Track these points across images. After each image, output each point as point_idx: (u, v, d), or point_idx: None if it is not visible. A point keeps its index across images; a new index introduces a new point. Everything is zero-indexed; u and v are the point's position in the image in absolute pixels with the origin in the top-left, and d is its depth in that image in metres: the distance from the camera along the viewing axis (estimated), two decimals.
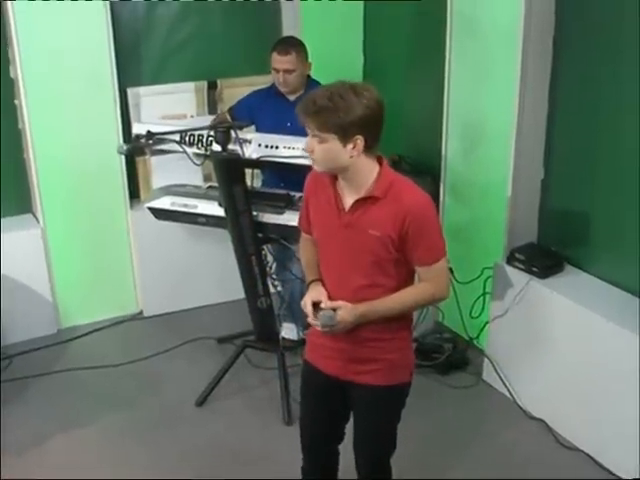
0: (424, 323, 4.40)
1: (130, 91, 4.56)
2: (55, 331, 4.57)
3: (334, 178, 2.48)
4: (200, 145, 3.55)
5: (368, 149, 2.37)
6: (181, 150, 3.57)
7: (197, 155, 3.66)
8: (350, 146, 2.33)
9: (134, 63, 4.59)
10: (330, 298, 2.51)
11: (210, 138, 3.53)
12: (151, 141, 3.58)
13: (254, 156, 3.51)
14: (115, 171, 4.53)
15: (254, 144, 3.51)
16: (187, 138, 3.59)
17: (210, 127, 3.46)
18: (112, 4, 4.36)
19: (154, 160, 4.61)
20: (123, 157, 4.50)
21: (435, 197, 4.31)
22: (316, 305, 2.49)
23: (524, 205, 3.87)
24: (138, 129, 3.74)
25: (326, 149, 2.34)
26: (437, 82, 4.15)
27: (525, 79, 3.65)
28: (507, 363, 3.91)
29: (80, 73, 4.31)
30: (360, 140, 2.33)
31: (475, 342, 4.18)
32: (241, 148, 3.48)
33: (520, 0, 3.53)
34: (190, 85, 4.68)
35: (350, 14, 4.83)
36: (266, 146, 3.48)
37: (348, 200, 2.45)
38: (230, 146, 3.46)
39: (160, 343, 4.42)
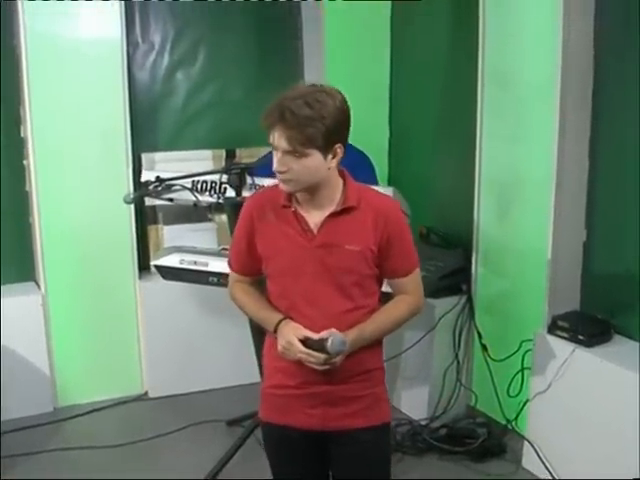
0: (455, 407, 4.02)
1: (145, 156, 4.37)
2: (51, 409, 4.18)
3: (291, 198, 2.20)
4: (213, 192, 3.28)
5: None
6: (193, 199, 3.31)
7: (209, 209, 3.39)
8: (330, 157, 2.11)
9: (150, 128, 4.45)
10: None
11: (224, 185, 3.27)
12: (160, 188, 3.32)
13: None
14: (125, 240, 4.28)
15: None
16: (199, 185, 3.33)
17: (223, 170, 3.22)
18: (130, 67, 4.26)
19: (166, 230, 4.40)
20: (134, 226, 4.29)
21: (467, 269, 4.02)
22: (302, 343, 2.16)
23: (565, 270, 3.55)
24: (147, 176, 3.50)
25: (307, 165, 2.08)
26: (467, 146, 3.92)
27: (564, 134, 3.42)
28: (550, 446, 3.47)
29: (93, 136, 4.15)
30: (340, 149, 2.12)
31: (513, 425, 3.75)
32: None
33: (556, 51, 3.35)
34: (207, 153, 4.49)
35: (376, 78, 4.67)
36: None
37: (314, 219, 2.19)
38: (246, 193, 3.20)
39: (165, 425, 4.03)
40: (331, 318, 2.17)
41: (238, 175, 3.14)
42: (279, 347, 2.19)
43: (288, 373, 2.25)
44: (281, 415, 2.31)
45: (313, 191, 2.15)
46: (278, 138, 2.05)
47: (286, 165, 2.07)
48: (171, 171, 3.55)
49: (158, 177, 3.37)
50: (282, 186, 2.14)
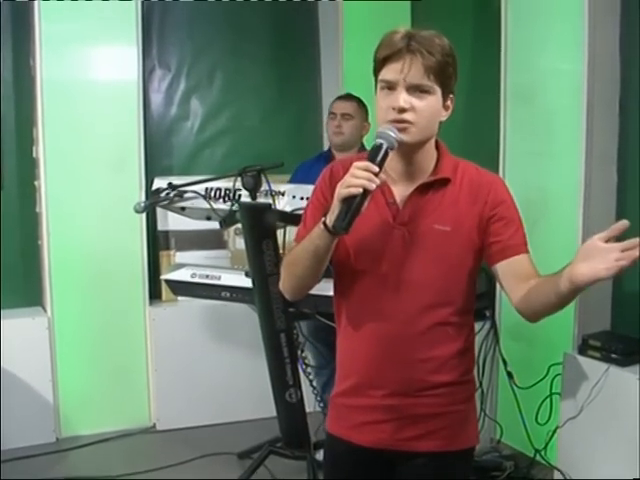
0: (479, 439, 3.78)
1: (158, 181, 4.26)
2: (54, 439, 3.98)
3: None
4: (227, 199, 3.15)
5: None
6: (207, 206, 3.17)
7: (223, 222, 3.25)
8: (444, 107, 1.84)
9: (164, 152, 4.39)
10: (379, 328, 1.88)
11: (238, 192, 3.14)
12: (172, 194, 3.20)
13: (288, 209, 3.07)
14: (136, 265, 4.16)
15: (288, 196, 3.10)
16: (212, 193, 3.20)
17: (238, 172, 3.09)
18: (145, 91, 4.22)
19: (179, 256, 4.29)
20: (145, 251, 4.15)
21: (491, 294, 3.84)
22: None
23: (595, 289, 3.27)
24: (159, 184, 3.38)
25: (430, 105, 1.78)
26: (489, 162, 3.78)
27: (591, 147, 3.32)
28: (583, 473, 3.23)
29: (106, 158, 4.07)
30: (452, 101, 1.85)
31: (542, 454, 3.52)
32: (273, 200, 3.08)
33: (582, 63, 3.27)
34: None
35: None
36: (302, 198, 3.05)
37: (401, 190, 1.87)
38: (261, 198, 3.08)
39: (173, 457, 3.81)
40: (405, 315, 1.86)
41: (253, 177, 3.02)
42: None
43: (358, 376, 1.94)
44: (346, 427, 1.99)
45: (412, 154, 1.85)
46: (408, 67, 1.75)
47: (407, 102, 1.76)
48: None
49: (170, 183, 3.26)
50: (397, 136, 1.76)
